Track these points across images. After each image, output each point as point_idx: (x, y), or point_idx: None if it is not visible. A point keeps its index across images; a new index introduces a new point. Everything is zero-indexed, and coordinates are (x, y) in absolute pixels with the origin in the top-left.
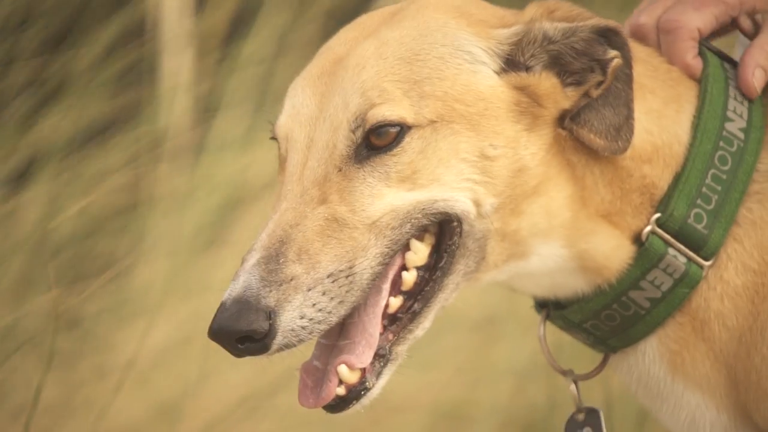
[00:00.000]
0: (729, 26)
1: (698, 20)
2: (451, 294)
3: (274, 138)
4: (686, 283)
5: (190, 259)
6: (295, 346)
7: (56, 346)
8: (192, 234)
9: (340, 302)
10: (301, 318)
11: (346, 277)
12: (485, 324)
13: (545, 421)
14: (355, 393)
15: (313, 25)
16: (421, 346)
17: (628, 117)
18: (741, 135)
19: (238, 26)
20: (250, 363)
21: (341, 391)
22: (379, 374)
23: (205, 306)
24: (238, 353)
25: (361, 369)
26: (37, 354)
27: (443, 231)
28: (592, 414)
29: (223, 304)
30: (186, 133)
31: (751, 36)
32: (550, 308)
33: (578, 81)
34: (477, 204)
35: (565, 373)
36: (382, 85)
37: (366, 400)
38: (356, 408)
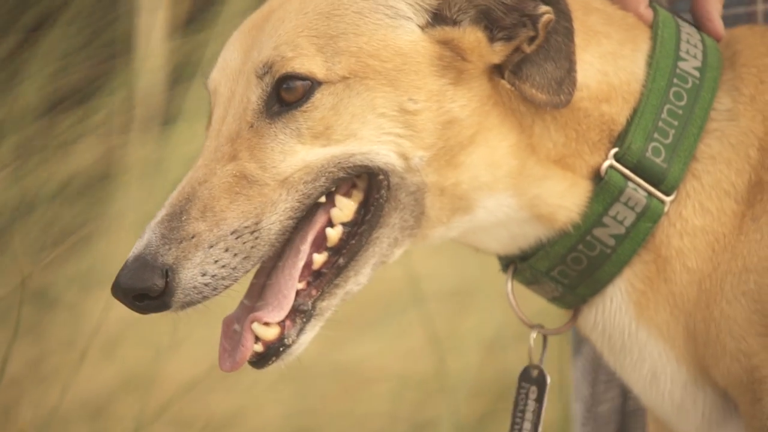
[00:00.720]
0: None
1: None
2: (390, 249)
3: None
4: (648, 217)
5: None
6: (200, 302)
7: (22, 316)
8: (161, 204)
9: (245, 258)
10: (203, 275)
11: (251, 233)
12: (456, 294)
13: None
14: (274, 350)
15: None
16: (391, 316)
17: (570, 70)
18: (696, 73)
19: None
20: (216, 331)
21: (259, 347)
22: (301, 330)
23: None
24: (139, 310)
25: (279, 325)
26: (2, 324)
27: (371, 186)
28: (541, 377)
29: (125, 263)
30: (157, 102)
31: None
32: (516, 263)
33: (509, 36)
34: (404, 157)
35: (533, 327)
36: (296, 40)
37: (287, 357)
38: (278, 364)
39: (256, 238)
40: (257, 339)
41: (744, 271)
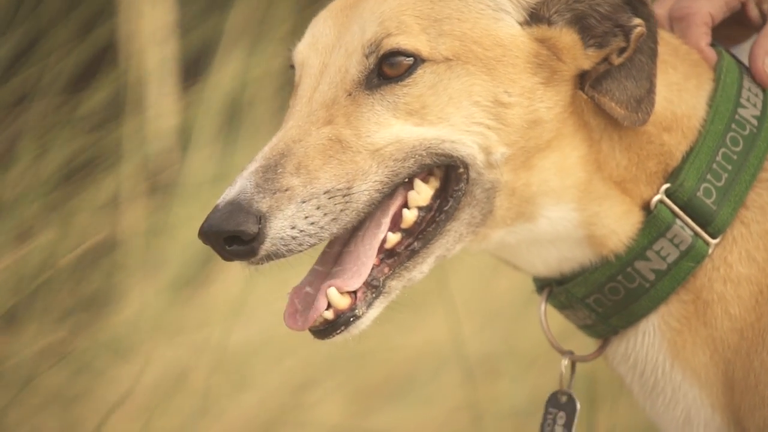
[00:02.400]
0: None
1: (709, 6)
2: (454, 244)
3: (292, 66)
4: (692, 257)
5: (177, 296)
6: (284, 256)
7: (51, 381)
8: (176, 271)
9: (333, 219)
10: (292, 228)
11: (343, 196)
12: (484, 361)
13: None
14: (344, 319)
15: (276, 60)
16: (420, 383)
17: (650, 90)
18: (754, 122)
19: (200, 61)
20: (248, 399)
21: (329, 314)
22: (370, 305)
23: (196, 342)
24: (226, 255)
25: (351, 294)
26: (32, 390)
27: (449, 177)
28: (570, 403)
29: (216, 207)
30: (166, 169)
31: (759, 26)
32: (552, 286)
33: (600, 44)
34: (487, 151)
35: (564, 353)
36: (401, 17)
37: (354, 329)
38: (344, 336)
39: (347, 201)
40: (329, 306)
41: None
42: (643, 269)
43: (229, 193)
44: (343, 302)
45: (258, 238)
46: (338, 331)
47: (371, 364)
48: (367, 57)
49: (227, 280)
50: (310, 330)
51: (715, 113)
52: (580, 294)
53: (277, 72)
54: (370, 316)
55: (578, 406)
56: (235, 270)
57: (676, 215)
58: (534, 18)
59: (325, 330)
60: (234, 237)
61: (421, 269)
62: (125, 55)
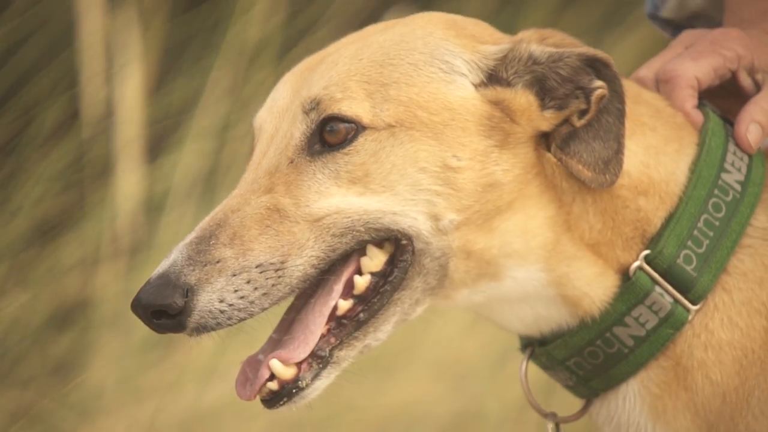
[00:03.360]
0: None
1: (695, 70)
2: (412, 308)
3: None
4: (671, 324)
5: (146, 357)
6: (213, 329)
7: None
8: (146, 333)
9: (264, 294)
10: (221, 301)
11: (276, 270)
12: (455, 421)
13: None
14: (287, 390)
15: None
16: None
17: (618, 151)
18: (738, 187)
19: (178, 122)
20: None
21: (274, 386)
22: (316, 375)
23: (165, 403)
24: (155, 328)
25: (297, 366)
26: None
27: (396, 247)
28: None
29: (148, 280)
30: (134, 232)
31: (752, 95)
32: (534, 346)
33: (560, 106)
34: (435, 218)
35: (546, 415)
36: (346, 82)
37: (300, 400)
38: (289, 406)
39: (279, 276)
40: (273, 376)
41: None
42: (621, 335)
43: (162, 266)
44: (287, 373)
45: (184, 311)
46: (281, 402)
47: (341, 426)
48: (307, 114)
49: (194, 344)
50: (260, 399)
51: (698, 179)
52: (560, 356)
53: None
54: (316, 387)
55: None
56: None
57: (655, 282)
58: (492, 79)
59: (270, 400)
60: (161, 311)
61: (376, 336)
62: (92, 118)
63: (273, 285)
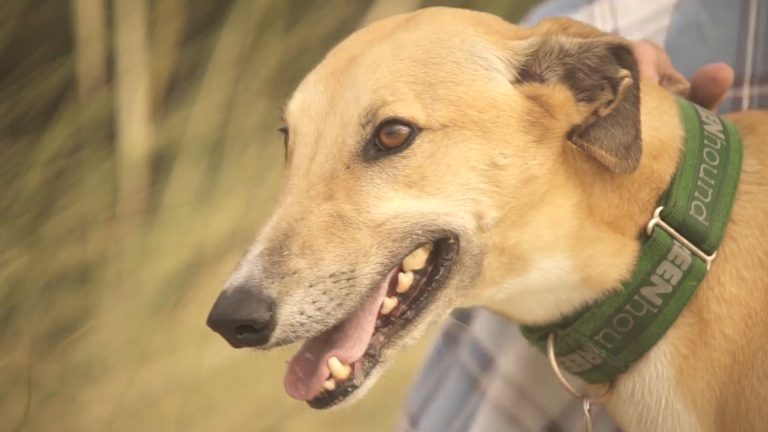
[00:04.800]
0: None
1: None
2: (444, 309)
3: (283, 129)
4: (693, 276)
5: (150, 320)
6: (291, 342)
7: (20, 408)
8: (152, 295)
9: (339, 305)
10: (301, 314)
11: (347, 279)
12: None
13: None
14: (342, 389)
15: (260, 84)
16: None
17: (636, 137)
18: (722, 136)
19: (183, 82)
20: (219, 424)
21: (330, 385)
22: (367, 374)
23: (168, 367)
24: (237, 343)
25: (350, 365)
26: (1, 416)
27: (440, 246)
28: None
29: (224, 293)
30: (141, 192)
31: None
32: (555, 332)
33: (589, 98)
34: (479, 217)
35: (584, 397)
36: (395, 84)
37: (352, 399)
38: (341, 405)
39: (351, 285)
40: (330, 376)
41: None
42: (649, 295)
43: (236, 279)
44: (343, 372)
45: (269, 325)
46: (336, 402)
47: None
48: (363, 126)
49: (200, 305)
50: (310, 401)
51: (687, 131)
52: (588, 331)
53: (265, 97)
54: (367, 386)
55: None
56: (209, 296)
57: (672, 237)
58: (525, 75)
59: (324, 399)
60: (245, 326)
61: (413, 336)
62: (96, 82)
63: (347, 294)
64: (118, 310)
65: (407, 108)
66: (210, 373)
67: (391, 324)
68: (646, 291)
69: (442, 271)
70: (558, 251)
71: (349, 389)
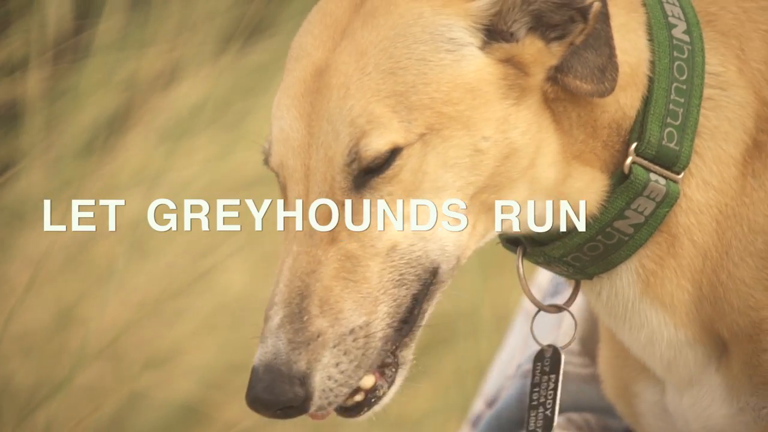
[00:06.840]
0: None
1: None
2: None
3: (266, 164)
4: (667, 203)
5: (82, 163)
6: (331, 406)
7: None
8: (83, 138)
9: (357, 366)
10: (329, 379)
11: (364, 336)
12: None
13: None
14: (367, 401)
15: None
16: None
17: (611, 55)
18: (686, 38)
19: None
20: (151, 267)
21: (360, 397)
22: (391, 381)
23: (99, 210)
24: (280, 417)
25: (374, 374)
26: None
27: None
28: (555, 354)
29: (255, 371)
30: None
31: None
32: (525, 245)
33: (561, 35)
34: (459, 246)
35: (548, 309)
36: (368, 107)
37: (378, 407)
38: (368, 414)
39: (366, 343)
40: (358, 388)
41: (750, 233)
42: (621, 227)
43: (265, 355)
44: (368, 382)
45: (306, 397)
46: (363, 412)
47: None
48: (349, 165)
49: (132, 148)
50: (336, 409)
51: (658, 47)
52: (557, 255)
53: None
54: (392, 392)
55: (562, 353)
56: (140, 137)
57: (648, 170)
58: (493, 36)
59: (352, 409)
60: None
61: (419, 325)
62: None
63: (363, 354)
64: (49, 152)
65: (386, 135)
66: (141, 216)
67: (397, 330)
68: (618, 224)
69: (426, 297)
70: (535, 199)
71: (373, 399)
